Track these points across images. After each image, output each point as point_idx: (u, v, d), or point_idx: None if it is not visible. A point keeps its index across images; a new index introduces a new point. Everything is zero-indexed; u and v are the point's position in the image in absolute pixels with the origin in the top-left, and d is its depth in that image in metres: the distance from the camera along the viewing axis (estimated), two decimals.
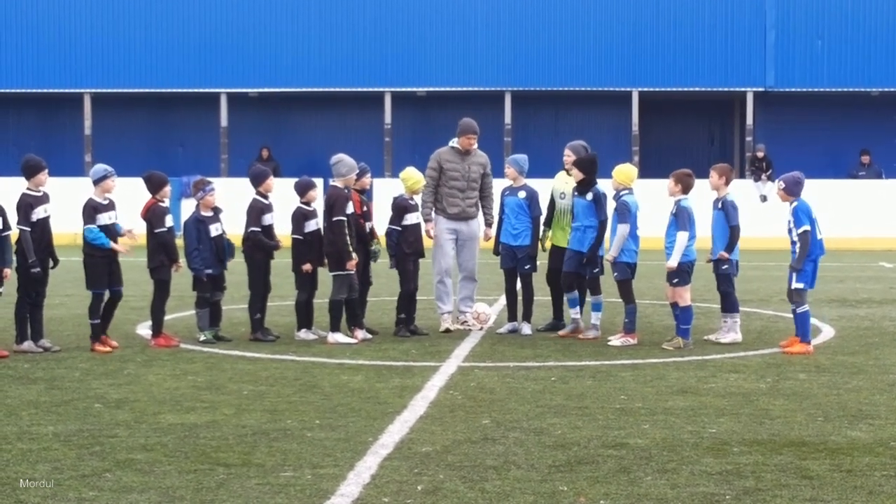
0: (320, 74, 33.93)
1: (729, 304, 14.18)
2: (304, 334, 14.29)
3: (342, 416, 9.79)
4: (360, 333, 14.25)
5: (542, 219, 15.15)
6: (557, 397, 10.69)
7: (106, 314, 13.65)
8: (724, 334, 14.19)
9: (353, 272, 14.15)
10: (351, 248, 14.04)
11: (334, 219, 14.04)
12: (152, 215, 13.91)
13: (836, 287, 20.88)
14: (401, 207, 14.81)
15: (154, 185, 14.03)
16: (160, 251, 13.87)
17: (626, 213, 13.91)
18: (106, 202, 13.67)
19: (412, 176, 15.03)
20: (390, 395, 10.75)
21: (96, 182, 13.70)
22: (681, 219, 13.69)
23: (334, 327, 14.04)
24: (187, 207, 31.37)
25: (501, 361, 12.81)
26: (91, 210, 13.53)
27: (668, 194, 14.00)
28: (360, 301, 14.49)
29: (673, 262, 13.63)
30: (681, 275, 13.67)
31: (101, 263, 13.53)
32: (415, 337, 14.54)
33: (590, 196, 14.29)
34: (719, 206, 14.07)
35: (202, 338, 14.13)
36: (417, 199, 15.08)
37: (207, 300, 14.24)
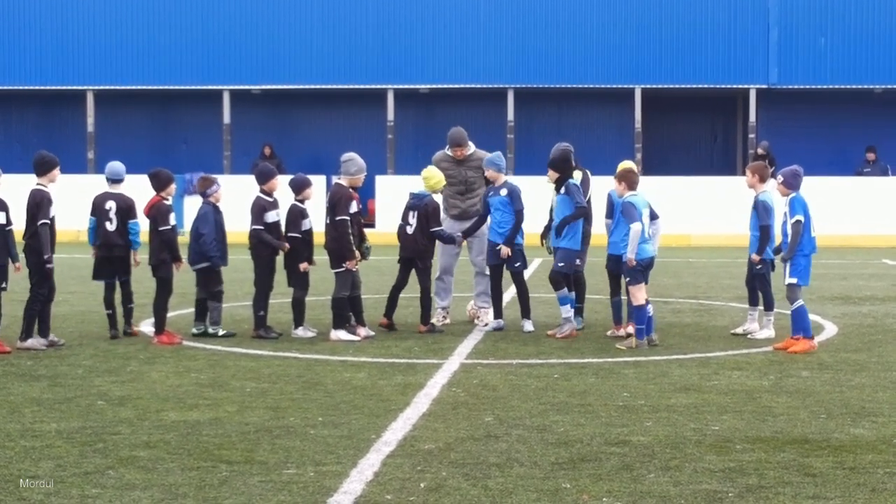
0: (323, 71, 33.91)
1: (766, 303, 14.37)
2: (301, 332, 14.29)
3: (345, 414, 9.80)
4: (363, 331, 14.26)
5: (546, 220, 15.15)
6: (560, 395, 10.69)
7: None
8: (759, 331, 14.36)
9: (355, 269, 14.19)
10: (354, 246, 14.08)
11: (338, 217, 14.04)
12: (157, 212, 13.95)
13: (839, 284, 20.87)
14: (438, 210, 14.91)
15: (160, 183, 14.10)
16: (163, 249, 13.91)
17: (632, 212, 13.83)
18: None
19: (435, 175, 15.02)
20: (393, 393, 10.75)
21: (123, 180, 14.41)
22: (627, 213, 13.63)
23: (337, 324, 14.04)
24: (190, 204, 31.46)
25: (504, 359, 12.81)
26: (134, 207, 14.30)
27: (617, 195, 13.99)
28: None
29: (656, 243, 13.85)
30: (633, 273, 13.60)
31: (129, 256, 14.38)
32: (418, 334, 14.55)
33: (563, 190, 14.31)
34: (753, 204, 14.17)
35: (221, 333, 14.18)
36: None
37: (221, 293, 14.30)
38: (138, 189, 14.96)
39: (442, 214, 15.62)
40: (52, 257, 13.28)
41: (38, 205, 13.23)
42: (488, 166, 15.10)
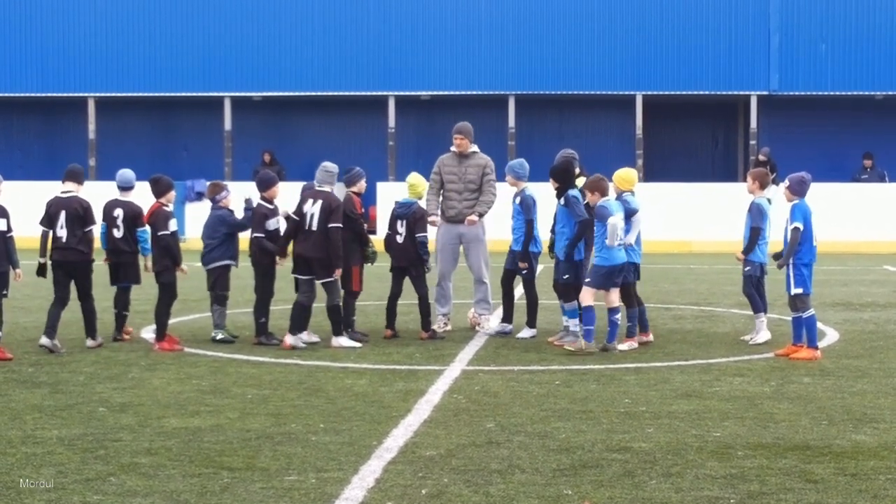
0: (324, 78, 33.92)
1: (753, 306, 14.40)
2: (306, 337, 14.26)
3: (346, 420, 9.79)
4: (307, 336, 14.20)
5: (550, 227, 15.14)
6: (562, 401, 10.69)
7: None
8: (756, 335, 14.39)
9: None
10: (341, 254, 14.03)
11: (334, 224, 13.89)
12: (156, 219, 14.02)
13: (841, 290, 20.86)
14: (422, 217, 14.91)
15: (160, 189, 14.20)
16: (164, 255, 13.97)
17: (605, 213, 13.66)
18: None
19: (420, 182, 15.06)
20: (394, 399, 10.75)
21: (133, 188, 14.66)
22: (600, 216, 13.55)
23: (337, 331, 14.03)
24: (191, 211, 31.47)
25: (506, 365, 12.81)
26: (143, 214, 14.46)
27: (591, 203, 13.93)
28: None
29: (631, 238, 13.81)
30: (597, 277, 13.57)
31: (136, 262, 14.64)
32: (419, 341, 14.55)
33: (562, 201, 14.28)
34: (748, 208, 14.22)
35: (219, 336, 14.22)
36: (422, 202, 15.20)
37: (226, 297, 14.37)
38: (139, 196, 15.01)
39: (438, 218, 15.60)
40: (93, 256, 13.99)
41: (88, 209, 13.81)
42: (508, 172, 15.19)
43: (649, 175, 33.85)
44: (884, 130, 34.92)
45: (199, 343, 14.22)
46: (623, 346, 13.85)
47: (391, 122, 34.05)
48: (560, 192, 14.27)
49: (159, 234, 14.00)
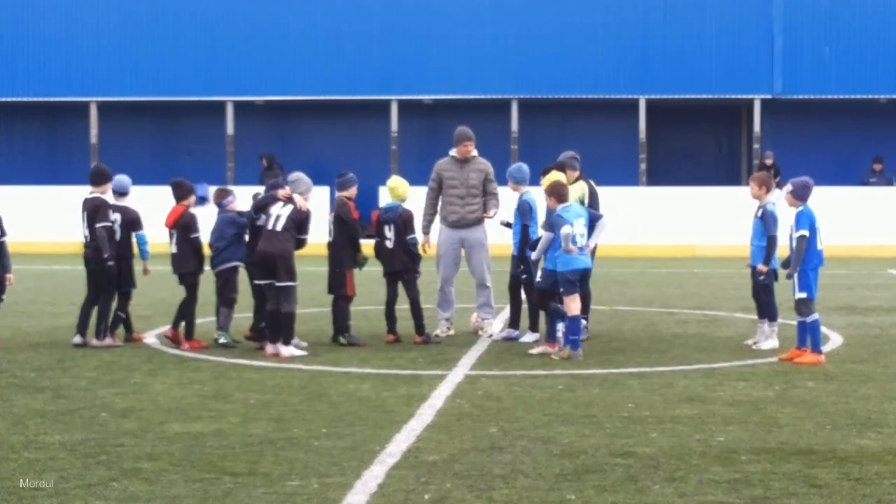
0: (326, 82, 33.91)
1: (769, 313, 14.27)
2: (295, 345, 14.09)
3: (349, 425, 9.78)
4: (271, 348, 13.87)
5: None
6: (565, 406, 10.67)
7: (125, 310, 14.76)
8: (763, 342, 14.24)
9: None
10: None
11: (303, 237, 13.86)
12: (190, 220, 14.49)
13: (845, 295, 20.83)
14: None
15: (182, 193, 14.68)
16: (195, 256, 14.21)
17: (560, 221, 13.56)
18: None
19: (401, 185, 15.03)
20: (397, 404, 10.73)
21: (127, 193, 14.83)
22: (556, 225, 13.45)
23: (286, 339, 13.67)
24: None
25: (508, 370, 12.78)
26: (139, 219, 14.71)
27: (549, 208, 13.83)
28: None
29: (592, 243, 13.83)
30: (566, 284, 13.51)
31: (132, 266, 14.67)
32: (422, 345, 14.53)
33: None
34: (759, 214, 14.07)
35: (223, 339, 14.24)
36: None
37: (234, 300, 14.48)
38: (142, 200, 15.07)
39: (439, 223, 15.61)
40: (112, 256, 14.12)
41: (95, 209, 14.11)
42: (508, 178, 15.19)
43: (652, 179, 33.80)
44: (888, 134, 34.87)
45: (201, 348, 14.20)
46: (538, 350, 13.80)
47: (394, 126, 34.04)
48: None
49: (191, 236, 14.32)
